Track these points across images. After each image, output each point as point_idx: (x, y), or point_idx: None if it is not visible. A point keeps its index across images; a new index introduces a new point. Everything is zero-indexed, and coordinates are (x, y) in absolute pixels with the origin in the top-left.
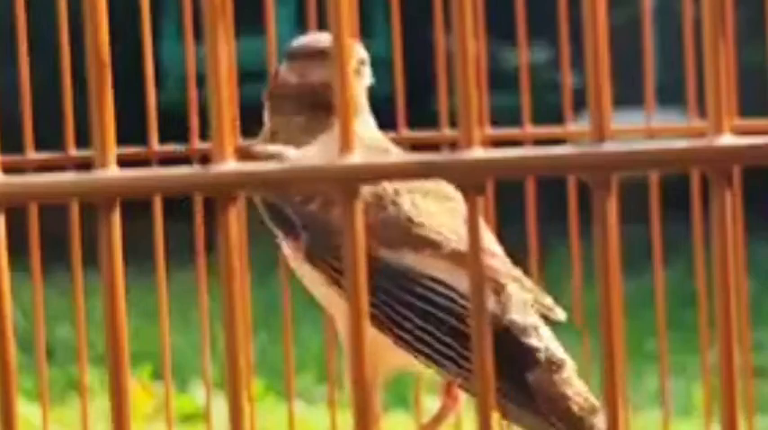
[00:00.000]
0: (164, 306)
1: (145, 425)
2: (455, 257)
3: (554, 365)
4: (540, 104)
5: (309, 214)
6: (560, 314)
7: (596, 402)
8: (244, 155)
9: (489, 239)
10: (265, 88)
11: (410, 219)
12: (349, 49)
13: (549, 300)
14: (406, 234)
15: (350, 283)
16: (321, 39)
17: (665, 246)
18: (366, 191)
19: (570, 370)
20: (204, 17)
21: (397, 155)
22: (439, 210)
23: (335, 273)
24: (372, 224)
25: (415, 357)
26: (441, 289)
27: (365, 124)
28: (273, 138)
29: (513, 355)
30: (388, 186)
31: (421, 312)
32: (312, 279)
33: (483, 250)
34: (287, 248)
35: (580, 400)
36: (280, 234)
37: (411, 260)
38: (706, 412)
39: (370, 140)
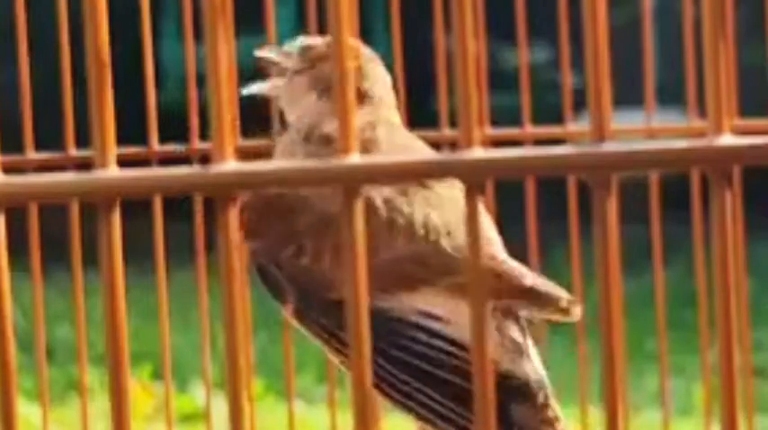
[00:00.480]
0: (164, 306)
1: (145, 425)
2: (454, 290)
3: (543, 400)
4: (540, 104)
5: (301, 269)
6: (576, 313)
7: None
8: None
9: (498, 248)
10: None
11: (409, 258)
12: (351, 50)
13: (564, 298)
14: (402, 274)
15: (350, 284)
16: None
17: (665, 246)
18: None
19: (555, 405)
20: (204, 17)
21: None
22: (441, 210)
23: (324, 333)
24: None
25: (415, 418)
26: (439, 343)
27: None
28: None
29: (498, 385)
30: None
31: (417, 372)
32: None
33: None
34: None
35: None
36: (270, 295)
37: (405, 304)
38: (706, 412)
39: (400, 130)
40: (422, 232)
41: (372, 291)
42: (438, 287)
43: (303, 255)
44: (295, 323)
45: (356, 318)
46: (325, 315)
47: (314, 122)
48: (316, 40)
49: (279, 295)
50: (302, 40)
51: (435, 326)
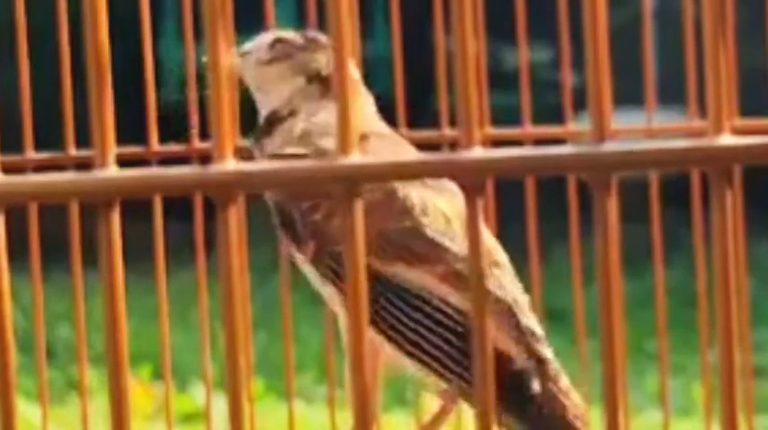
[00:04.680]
0: (164, 306)
1: (145, 425)
2: (449, 278)
3: (554, 375)
4: (540, 104)
5: (313, 223)
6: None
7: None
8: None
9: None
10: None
11: (413, 230)
12: (348, 47)
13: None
14: (404, 247)
15: (350, 285)
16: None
17: (665, 246)
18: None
19: (566, 379)
20: (204, 17)
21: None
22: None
23: (336, 277)
24: (373, 235)
25: (415, 366)
26: (437, 303)
27: (368, 107)
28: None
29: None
30: (399, 191)
31: (417, 325)
32: (317, 280)
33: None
34: (294, 252)
35: (578, 413)
36: (285, 237)
37: (404, 274)
38: (706, 412)
39: (379, 127)
40: (433, 214)
41: (373, 255)
42: (435, 270)
43: (316, 212)
44: (308, 268)
45: (356, 317)
46: (336, 261)
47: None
48: (287, 34)
49: (295, 237)
50: (275, 35)
51: (428, 297)
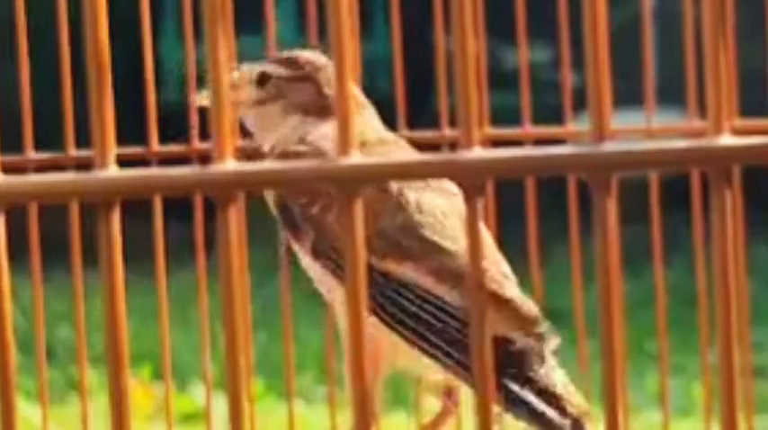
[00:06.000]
0: (164, 306)
1: (145, 425)
2: (441, 274)
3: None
4: (540, 104)
5: (311, 217)
6: (553, 341)
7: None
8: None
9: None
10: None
11: (405, 227)
12: (349, 51)
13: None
14: (396, 244)
15: (349, 285)
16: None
17: (665, 246)
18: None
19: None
20: (204, 17)
21: (404, 150)
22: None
23: (336, 267)
24: (368, 232)
25: (417, 356)
26: (431, 298)
27: (372, 119)
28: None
29: (519, 352)
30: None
31: (416, 317)
32: (317, 273)
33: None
34: (295, 245)
35: (575, 401)
36: (285, 230)
37: (397, 270)
38: (706, 412)
39: (382, 134)
40: (428, 212)
41: (369, 251)
42: (426, 266)
43: (313, 206)
44: (308, 261)
45: (355, 318)
46: (336, 252)
47: (300, 139)
48: (270, 67)
49: (296, 232)
50: (250, 69)
51: (422, 293)
